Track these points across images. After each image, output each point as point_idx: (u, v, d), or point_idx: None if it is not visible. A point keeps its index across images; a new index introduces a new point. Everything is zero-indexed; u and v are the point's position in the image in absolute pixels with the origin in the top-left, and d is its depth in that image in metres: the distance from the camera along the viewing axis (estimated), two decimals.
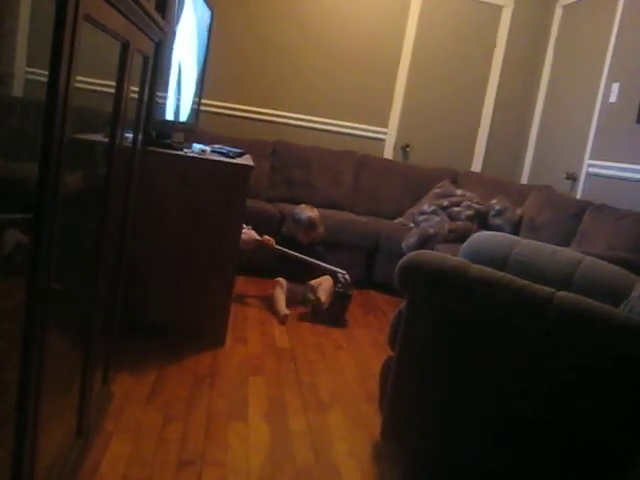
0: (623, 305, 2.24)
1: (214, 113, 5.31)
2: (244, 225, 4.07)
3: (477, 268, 2.17)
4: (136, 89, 2.19)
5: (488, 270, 2.17)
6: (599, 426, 2.13)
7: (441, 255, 2.26)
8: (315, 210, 4.41)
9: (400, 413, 2.30)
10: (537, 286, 2.11)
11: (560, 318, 2.04)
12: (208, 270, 3.19)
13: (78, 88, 1.50)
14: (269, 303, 4.02)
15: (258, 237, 4.18)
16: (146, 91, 2.31)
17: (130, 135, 2.24)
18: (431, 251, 2.40)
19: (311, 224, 4.31)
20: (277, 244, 4.27)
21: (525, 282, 2.13)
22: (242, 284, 4.32)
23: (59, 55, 1.22)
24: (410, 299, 2.25)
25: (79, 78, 1.81)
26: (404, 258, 2.23)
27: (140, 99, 2.27)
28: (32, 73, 1.31)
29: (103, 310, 2.11)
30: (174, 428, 2.34)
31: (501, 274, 2.15)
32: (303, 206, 4.46)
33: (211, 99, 5.15)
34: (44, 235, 1.30)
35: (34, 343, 1.34)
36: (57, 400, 1.87)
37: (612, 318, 2.02)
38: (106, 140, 1.87)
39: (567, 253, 2.89)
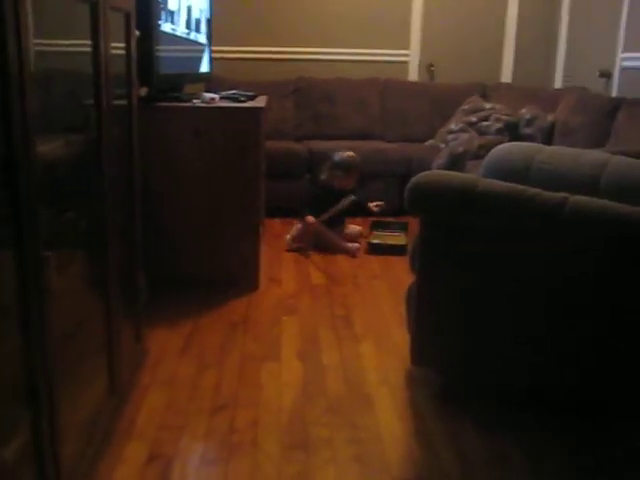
0: None
1: (230, 59, 5.24)
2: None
3: (486, 182, 2.11)
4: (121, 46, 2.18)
5: (497, 183, 2.11)
6: (618, 334, 2.08)
7: (448, 174, 2.21)
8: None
9: (426, 337, 2.30)
10: (548, 193, 2.04)
11: (573, 222, 1.97)
12: (233, 217, 3.20)
13: (45, 52, 1.50)
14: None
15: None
16: (133, 48, 2.29)
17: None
18: (439, 170, 2.34)
19: (356, 164, 4.16)
20: (316, 194, 4.20)
21: (537, 190, 2.07)
22: (276, 226, 4.35)
23: (2, 17, 1.19)
24: (423, 222, 2.22)
25: (58, 42, 1.81)
26: (411, 181, 2.19)
27: (128, 56, 2.25)
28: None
29: (121, 272, 2.14)
30: (208, 375, 2.39)
31: (511, 186, 2.09)
32: (340, 151, 4.24)
33: (226, 45, 5.08)
34: (23, 205, 1.31)
35: (31, 311, 1.37)
36: (85, 363, 1.94)
37: (627, 216, 1.95)
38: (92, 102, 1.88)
39: (592, 155, 2.78)
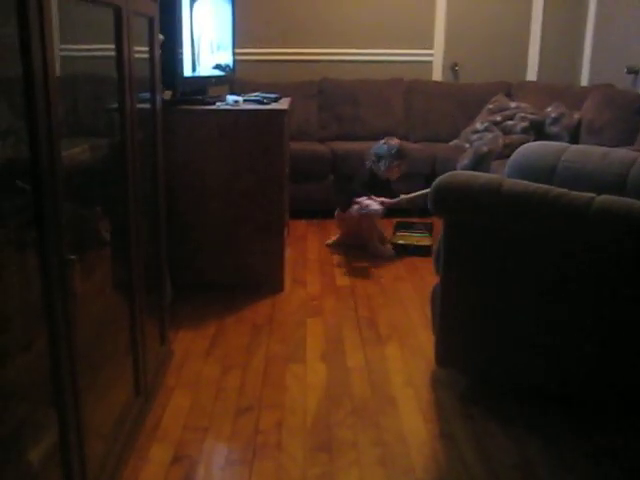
0: None
1: (254, 61, 5.25)
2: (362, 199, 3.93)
3: (510, 182, 2.10)
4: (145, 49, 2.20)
5: (522, 183, 2.10)
6: None
7: (472, 174, 2.19)
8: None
9: (451, 338, 2.29)
10: (574, 193, 2.02)
11: (600, 223, 1.95)
12: (257, 219, 3.21)
13: (69, 57, 1.52)
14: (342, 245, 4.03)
15: (380, 205, 3.88)
16: (157, 52, 2.30)
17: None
18: (463, 171, 2.33)
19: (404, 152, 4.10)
20: (363, 185, 4.04)
21: (562, 190, 2.04)
22: (300, 228, 4.35)
23: (26, 22, 1.20)
24: (447, 222, 2.21)
25: (83, 47, 1.83)
26: (435, 182, 2.18)
27: (151, 60, 2.27)
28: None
29: (146, 274, 2.15)
30: (232, 377, 2.40)
31: (536, 186, 2.07)
32: (383, 141, 4.13)
33: (249, 47, 5.09)
34: (48, 209, 1.33)
35: (56, 313, 1.39)
36: (110, 365, 1.96)
37: None
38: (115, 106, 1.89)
39: (620, 154, 2.75)
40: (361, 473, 1.89)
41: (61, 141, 1.36)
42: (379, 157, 4.04)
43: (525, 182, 2.11)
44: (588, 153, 2.76)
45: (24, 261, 1.39)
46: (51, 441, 1.44)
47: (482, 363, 2.27)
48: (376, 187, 4.01)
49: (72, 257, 1.45)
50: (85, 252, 1.69)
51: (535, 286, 2.10)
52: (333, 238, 4.10)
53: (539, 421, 2.14)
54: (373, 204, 3.84)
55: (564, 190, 2.04)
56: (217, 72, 3.72)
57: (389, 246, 3.94)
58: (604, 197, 2.00)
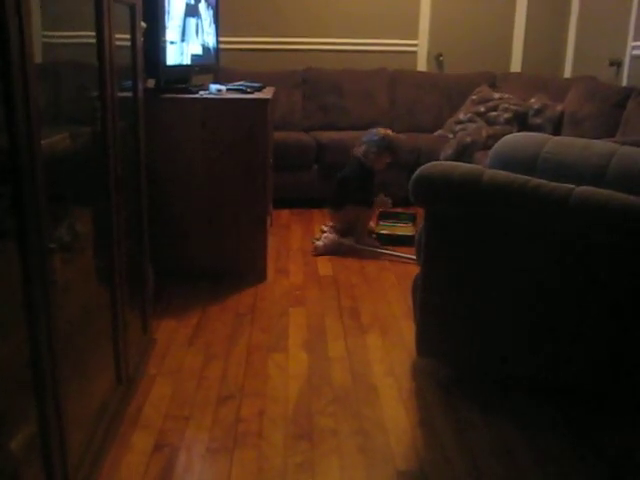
0: None
1: (238, 50, 5.23)
2: (324, 228, 3.96)
3: (490, 173, 2.11)
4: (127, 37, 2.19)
5: (502, 174, 2.11)
6: (622, 326, 2.07)
7: (453, 164, 2.20)
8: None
9: (431, 328, 2.30)
10: (554, 184, 2.04)
11: (579, 213, 1.97)
12: (240, 208, 3.21)
13: (49, 44, 1.51)
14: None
15: (340, 239, 3.84)
16: (139, 39, 2.29)
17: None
18: (444, 162, 2.34)
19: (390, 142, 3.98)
20: (350, 173, 3.96)
21: (541, 181, 2.06)
22: (284, 217, 4.35)
23: (1, 6, 1.19)
24: (428, 212, 2.22)
25: (63, 34, 1.82)
26: (416, 172, 2.19)
27: (133, 48, 2.26)
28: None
29: (128, 263, 2.15)
30: (214, 366, 2.41)
31: (516, 176, 2.09)
32: (376, 129, 4.07)
33: (233, 36, 5.07)
34: (27, 198, 1.32)
35: (36, 302, 1.38)
36: (92, 354, 1.95)
37: (633, 206, 1.94)
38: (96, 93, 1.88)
39: (600, 145, 2.76)
40: (341, 461, 1.90)
41: (41, 129, 1.35)
42: (364, 142, 4.01)
43: (505, 172, 2.13)
44: (570, 144, 2.77)
45: (4, 249, 1.38)
46: (31, 430, 1.44)
47: (462, 353, 2.29)
48: (360, 176, 3.97)
49: (52, 246, 1.45)
50: (66, 241, 1.69)
51: (515, 276, 2.12)
52: (319, 238, 3.94)
53: (520, 411, 2.17)
54: (320, 241, 3.82)
55: (544, 181, 2.06)
56: (201, 61, 3.71)
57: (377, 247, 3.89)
58: (583, 188, 2.02)
